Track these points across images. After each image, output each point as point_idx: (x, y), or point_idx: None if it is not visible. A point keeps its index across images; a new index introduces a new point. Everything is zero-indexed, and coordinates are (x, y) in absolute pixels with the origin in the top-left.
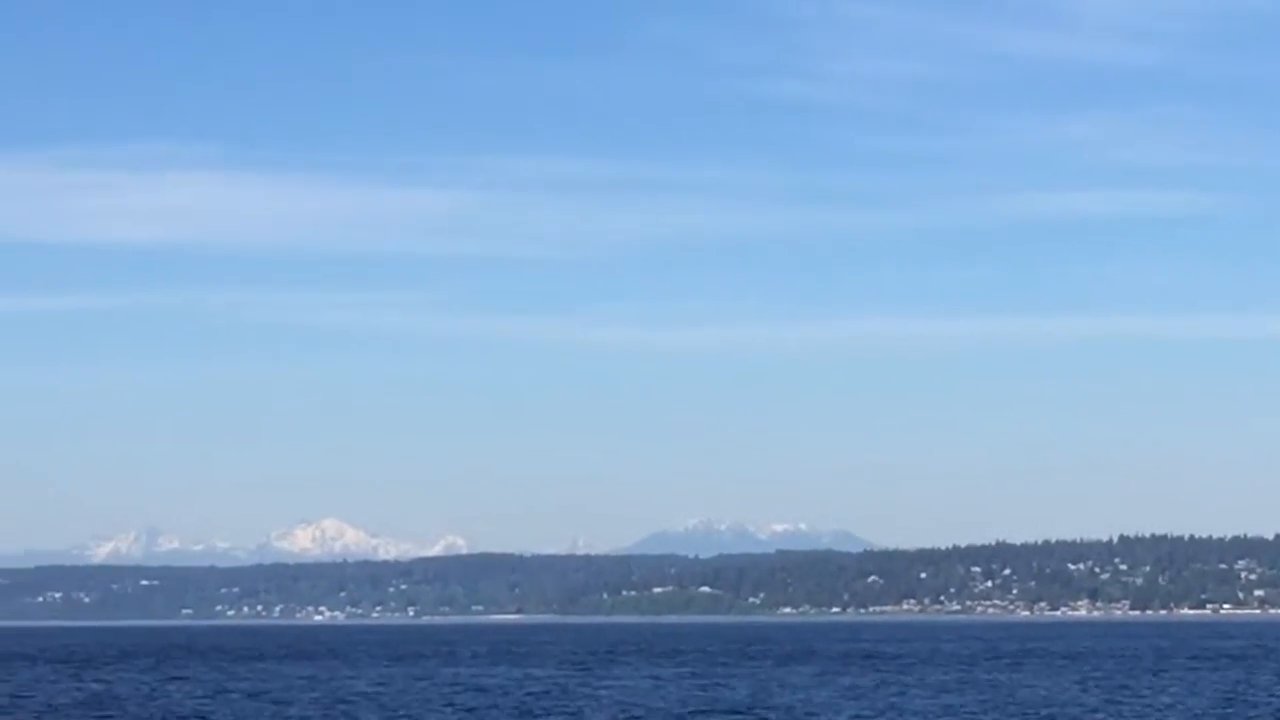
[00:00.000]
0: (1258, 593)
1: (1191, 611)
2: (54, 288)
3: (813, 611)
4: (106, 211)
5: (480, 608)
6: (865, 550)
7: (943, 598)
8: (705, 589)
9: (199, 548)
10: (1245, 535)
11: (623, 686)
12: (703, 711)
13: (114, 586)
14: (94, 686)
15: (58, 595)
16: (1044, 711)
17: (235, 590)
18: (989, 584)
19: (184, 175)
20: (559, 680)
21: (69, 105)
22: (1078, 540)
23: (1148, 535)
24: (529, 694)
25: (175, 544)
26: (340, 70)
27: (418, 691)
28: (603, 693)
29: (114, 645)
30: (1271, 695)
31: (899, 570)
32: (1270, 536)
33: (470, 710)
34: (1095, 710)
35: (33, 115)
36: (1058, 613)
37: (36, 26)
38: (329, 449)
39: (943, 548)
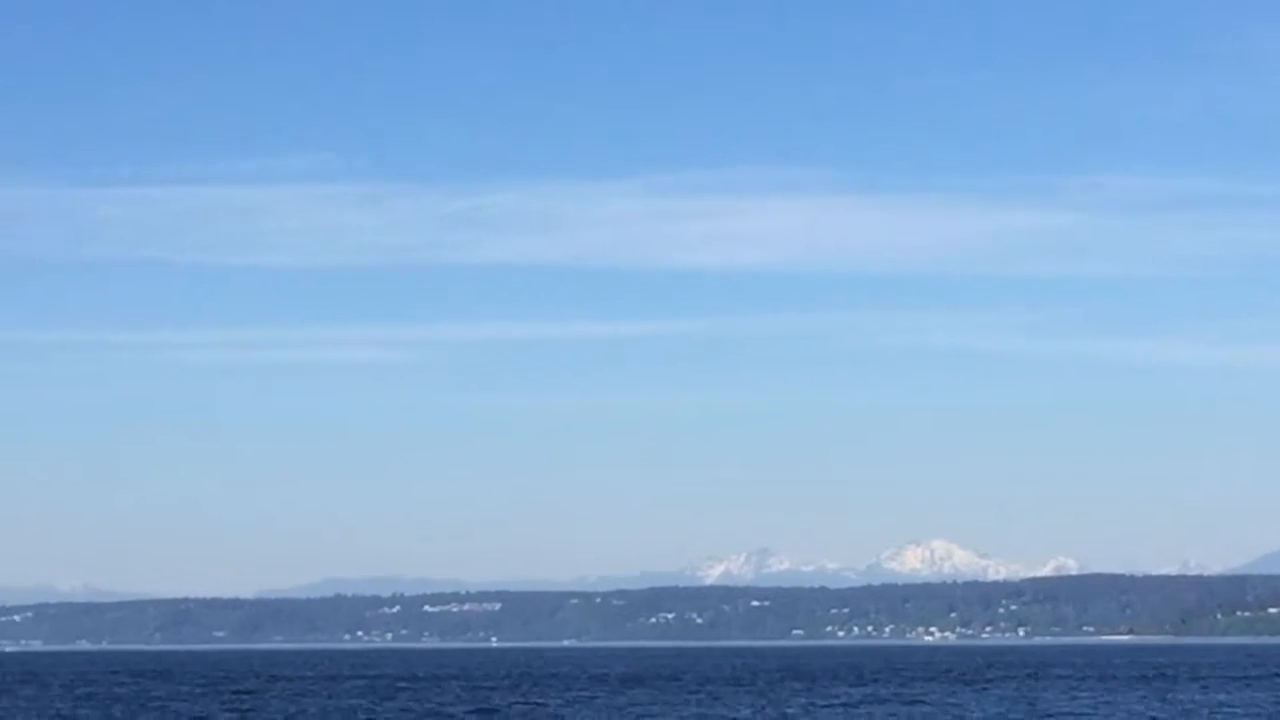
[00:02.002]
0: None
1: None
2: (650, 313)
3: None
4: (708, 236)
5: (1090, 628)
6: None
7: None
8: None
9: (809, 568)
10: None
11: None
12: None
13: (725, 607)
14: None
15: (670, 616)
16: None
17: (845, 611)
18: None
19: (790, 200)
20: None
21: (662, 132)
22: None
23: None
24: None
25: (785, 565)
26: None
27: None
28: None
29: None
30: None
31: None
32: None
33: None
34: None
35: (623, 145)
36: None
37: (610, 58)
38: (938, 470)
39: None
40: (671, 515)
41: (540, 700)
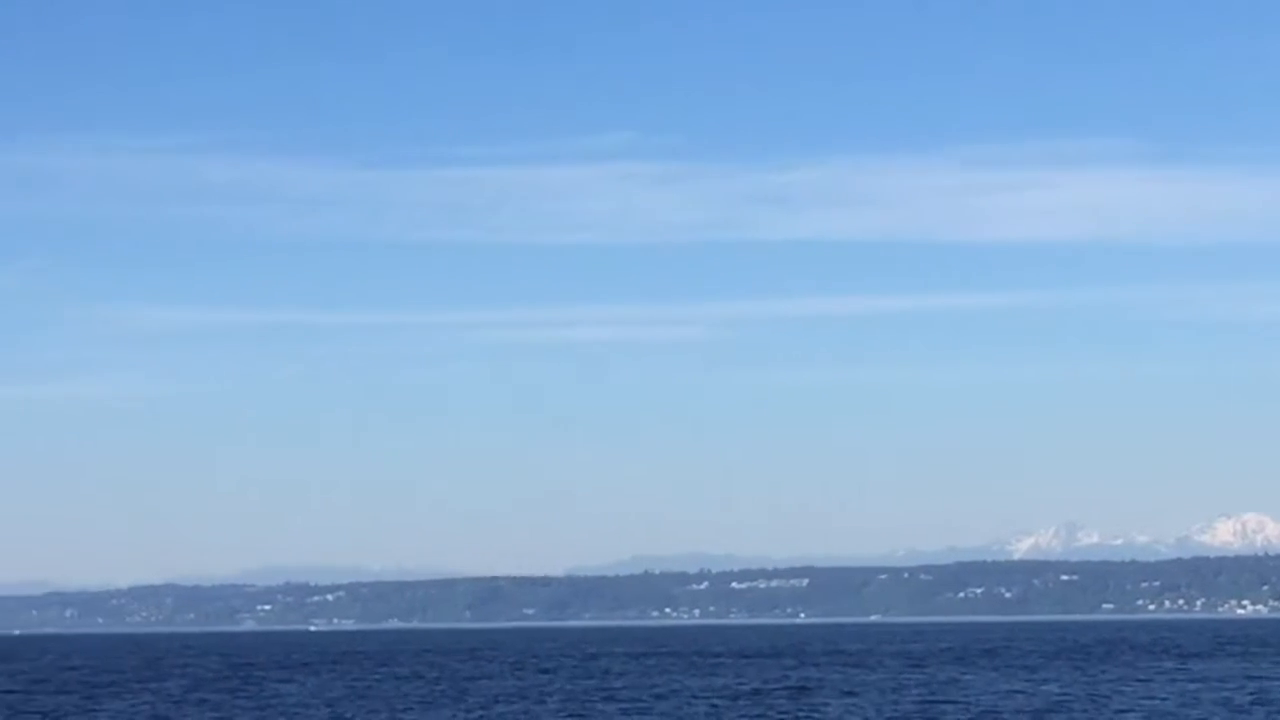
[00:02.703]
0: None
1: None
2: (959, 286)
3: None
4: (1014, 210)
5: None
6: None
7: None
8: None
9: (1118, 541)
10: None
11: None
12: None
13: (1034, 581)
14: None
15: (979, 591)
16: None
17: (1155, 584)
18: None
19: (1100, 172)
20: None
21: (962, 105)
22: None
23: None
24: None
25: (1094, 538)
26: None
27: None
28: None
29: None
30: None
31: None
32: None
33: None
34: None
35: (924, 118)
36: None
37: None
38: (1250, 442)
39: None
40: (979, 489)
41: (862, 676)
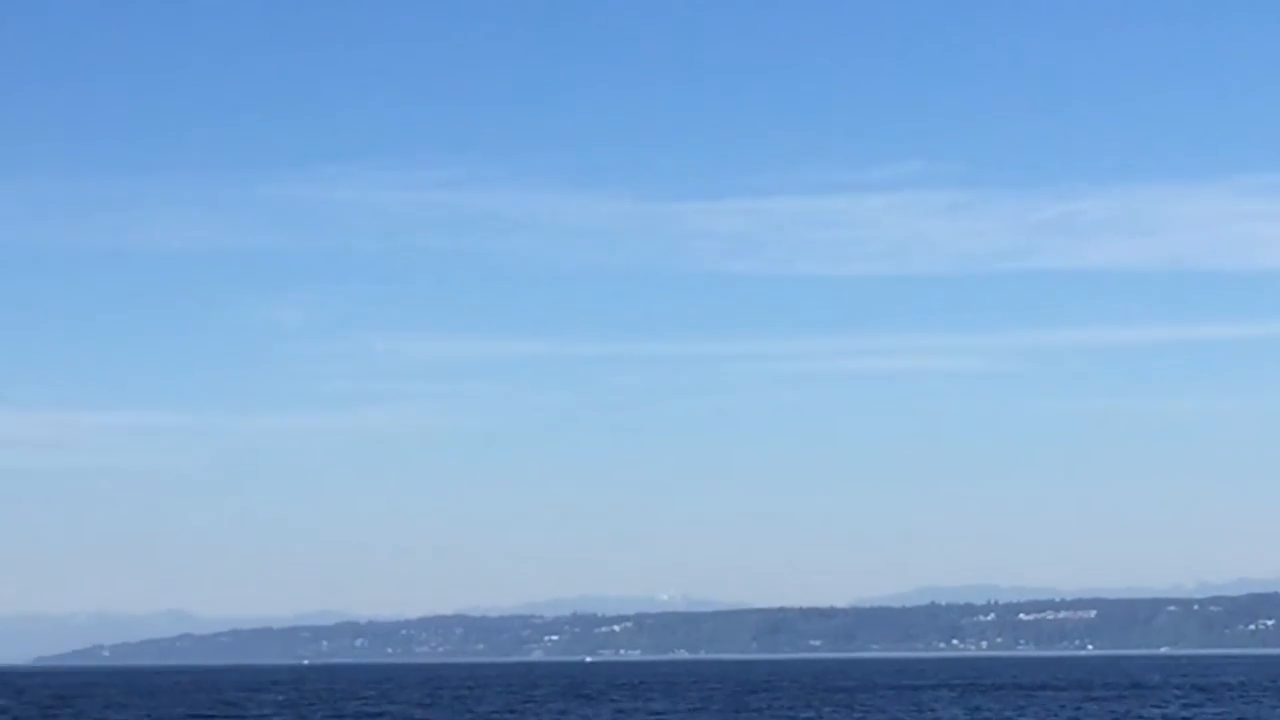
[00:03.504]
0: None
1: None
2: (1246, 315)
3: None
4: None
5: None
6: None
7: None
8: None
9: None
10: None
11: None
12: None
13: None
14: None
15: (1270, 623)
16: None
17: None
18: None
19: None
20: None
21: (1241, 132)
22: None
23: None
24: None
25: None
26: None
27: None
28: None
29: None
30: None
31: None
32: None
33: None
34: None
35: (1207, 145)
36: None
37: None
38: None
39: None
40: (1271, 518)
41: (1148, 709)
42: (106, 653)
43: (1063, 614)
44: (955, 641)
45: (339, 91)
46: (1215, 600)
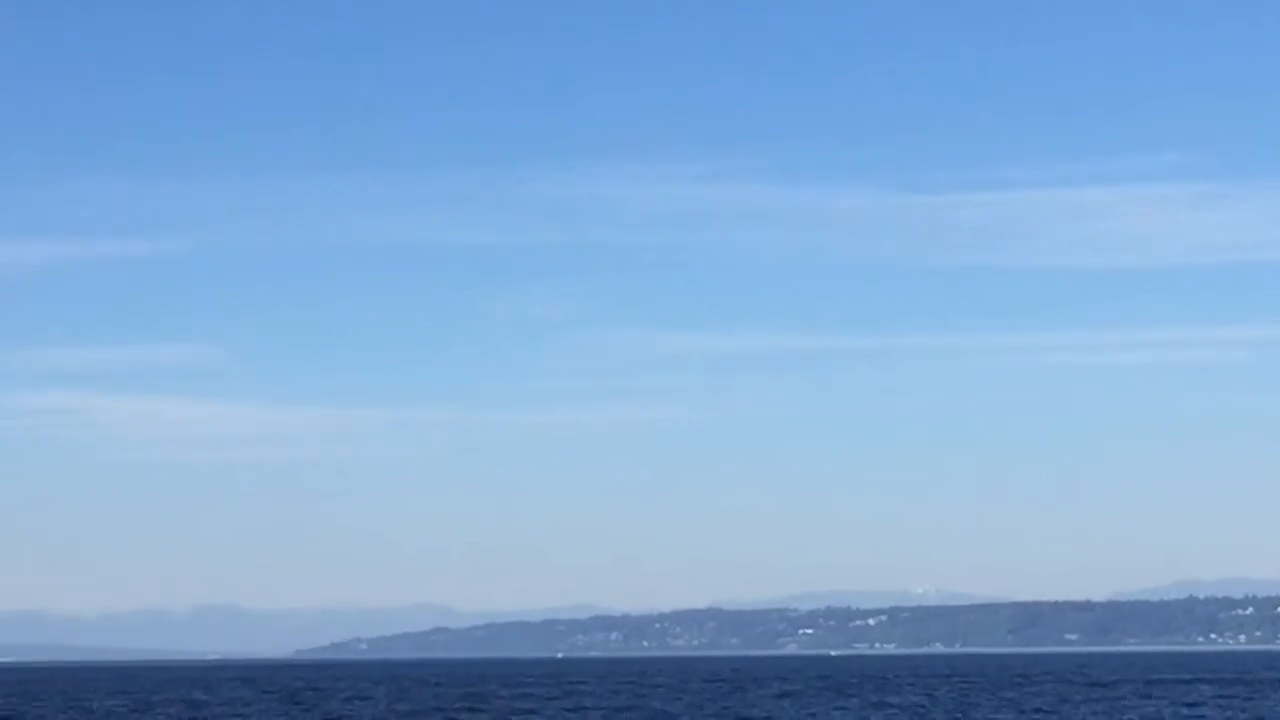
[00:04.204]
0: None
1: None
2: None
3: None
4: None
5: None
6: None
7: None
8: None
9: None
10: None
11: None
12: None
13: None
14: None
15: None
16: None
17: None
18: None
19: None
20: None
21: None
22: None
23: None
24: None
25: None
26: None
27: None
28: None
29: None
30: None
31: None
32: None
33: None
34: None
35: None
36: None
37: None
38: None
39: None
40: None
41: None
42: (364, 646)
43: None
44: (1213, 635)
45: (591, 85)
46: None
